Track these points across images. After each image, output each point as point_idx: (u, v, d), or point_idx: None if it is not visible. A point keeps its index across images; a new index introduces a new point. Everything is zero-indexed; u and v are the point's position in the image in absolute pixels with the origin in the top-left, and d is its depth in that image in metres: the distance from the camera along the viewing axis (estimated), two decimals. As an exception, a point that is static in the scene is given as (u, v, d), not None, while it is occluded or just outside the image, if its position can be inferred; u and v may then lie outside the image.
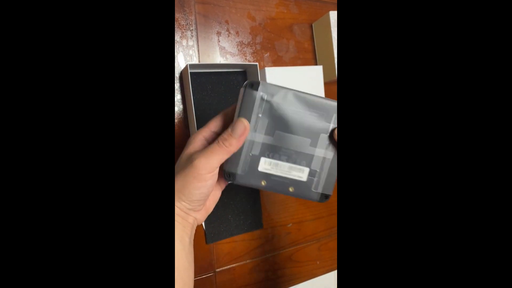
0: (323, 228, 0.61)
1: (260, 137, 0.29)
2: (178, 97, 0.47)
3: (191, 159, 0.28)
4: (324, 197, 0.31)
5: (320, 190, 0.31)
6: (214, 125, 0.30)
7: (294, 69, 0.52)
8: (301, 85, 0.52)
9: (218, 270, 0.51)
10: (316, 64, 0.59)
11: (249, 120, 0.28)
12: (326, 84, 0.57)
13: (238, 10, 0.52)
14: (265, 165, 0.30)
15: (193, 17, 0.49)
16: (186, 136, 0.48)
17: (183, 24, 0.48)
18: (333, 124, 0.30)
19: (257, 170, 0.30)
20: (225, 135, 0.28)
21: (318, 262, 0.61)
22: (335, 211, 0.62)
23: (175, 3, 0.47)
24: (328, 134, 0.30)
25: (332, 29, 0.53)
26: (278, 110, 0.29)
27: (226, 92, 0.50)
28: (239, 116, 0.28)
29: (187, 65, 0.42)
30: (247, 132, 0.28)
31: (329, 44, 0.54)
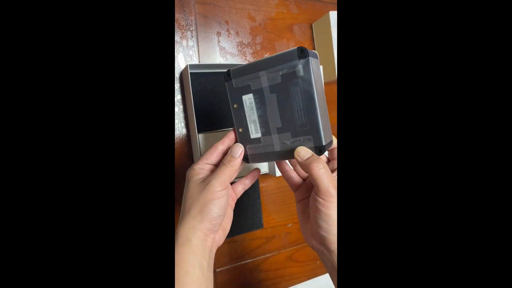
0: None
1: (265, 82, 0.31)
2: (178, 97, 0.47)
3: (206, 182, 0.32)
4: (246, 158, 0.34)
5: (248, 153, 0.34)
6: (207, 158, 0.35)
7: (294, 69, 0.52)
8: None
9: (218, 270, 0.51)
10: (316, 64, 0.60)
11: (280, 64, 0.30)
12: (326, 84, 0.57)
13: (238, 10, 0.52)
14: (247, 100, 0.32)
15: (193, 18, 0.49)
16: (186, 137, 0.48)
17: (183, 25, 0.48)
18: (302, 140, 0.31)
19: (241, 97, 0.32)
20: (228, 157, 0.33)
21: (318, 262, 0.61)
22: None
23: (175, 3, 0.48)
24: (293, 138, 0.31)
25: (332, 29, 0.53)
26: (291, 87, 0.30)
27: (226, 92, 0.50)
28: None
29: (187, 65, 0.42)
30: (243, 152, 0.34)
31: (329, 44, 0.54)
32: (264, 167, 0.51)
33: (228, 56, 0.52)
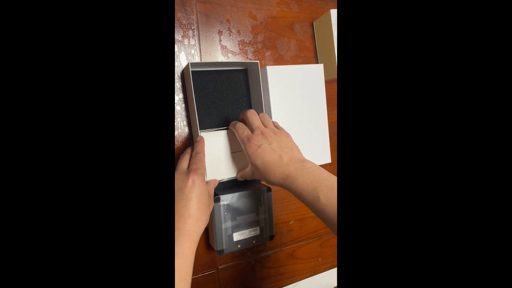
0: (324, 225, 0.61)
1: (229, 224, 0.47)
2: (180, 96, 0.48)
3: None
4: (270, 237, 0.51)
5: (268, 234, 0.50)
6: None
7: (295, 68, 0.52)
8: (302, 83, 0.53)
9: (221, 267, 0.52)
10: (317, 62, 0.60)
11: (220, 219, 0.46)
12: (327, 82, 0.58)
13: (239, 9, 0.53)
14: (237, 236, 0.48)
15: (194, 16, 0.49)
16: (188, 135, 0.48)
17: (185, 23, 0.49)
18: (261, 200, 0.50)
19: (233, 241, 0.48)
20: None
21: (320, 259, 0.61)
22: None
23: (177, 2, 0.48)
24: (261, 206, 0.49)
25: (333, 27, 0.53)
26: (233, 206, 0.47)
27: (228, 90, 0.50)
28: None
29: (188, 63, 0.43)
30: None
31: (330, 43, 0.54)
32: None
33: (229, 55, 0.52)
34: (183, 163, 0.42)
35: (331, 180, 0.36)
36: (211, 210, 0.42)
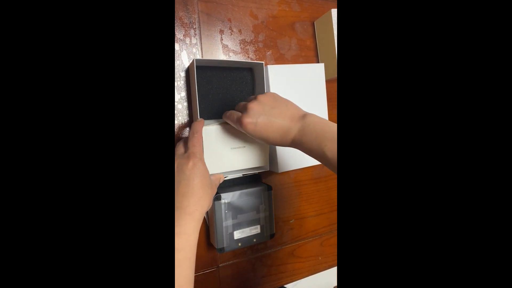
0: (325, 224, 0.62)
1: (230, 222, 0.48)
2: (182, 94, 0.48)
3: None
4: (271, 236, 0.52)
5: (268, 233, 0.51)
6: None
7: (296, 67, 0.52)
8: (303, 83, 0.53)
9: (221, 265, 0.52)
10: (318, 61, 0.60)
11: (221, 217, 0.47)
12: (328, 81, 0.58)
13: (241, 8, 0.53)
14: (237, 234, 0.49)
15: (196, 16, 0.49)
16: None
17: (186, 23, 0.49)
18: (262, 198, 0.51)
19: (234, 239, 0.48)
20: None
21: (320, 258, 0.61)
22: (337, 207, 0.62)
23: (179, 1, 0.48)
24: (262, 204, 0.50)
25: (334, 26, 0.53)
26: (233, 204, 0.48)
27: (231, 87, 0.51)
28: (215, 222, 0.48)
29: (193, 60, 0.43)
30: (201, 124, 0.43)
31: (331, 42, 0.55)
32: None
33: (231, 54, 0.52)
34: (180, 149, 0.41)
35: (333, 131, 0.36)
36: (213, 193, 0.41)
